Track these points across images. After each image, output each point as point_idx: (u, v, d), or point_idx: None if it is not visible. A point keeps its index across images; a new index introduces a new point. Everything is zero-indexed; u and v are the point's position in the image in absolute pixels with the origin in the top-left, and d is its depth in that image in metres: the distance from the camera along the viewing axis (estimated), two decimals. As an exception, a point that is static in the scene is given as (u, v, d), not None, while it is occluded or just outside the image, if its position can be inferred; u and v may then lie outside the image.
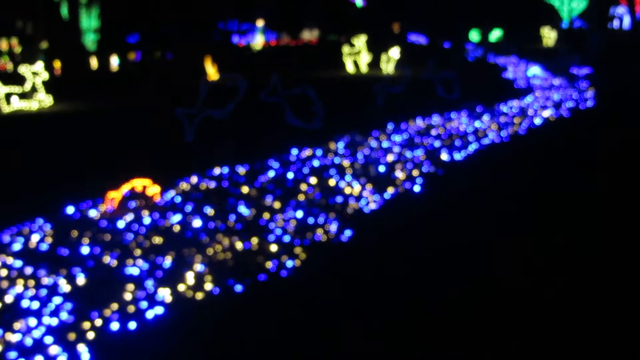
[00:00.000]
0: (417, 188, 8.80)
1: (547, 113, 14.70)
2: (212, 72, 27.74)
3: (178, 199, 7.83)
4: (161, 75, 31.57)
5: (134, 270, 5.84)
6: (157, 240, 6.57)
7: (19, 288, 5.50)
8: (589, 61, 22.59)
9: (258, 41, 60.35)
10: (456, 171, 9.91)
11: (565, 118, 14.59)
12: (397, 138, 11.35)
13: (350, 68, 30.92)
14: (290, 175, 8.90)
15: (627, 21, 47.71)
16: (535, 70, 23.30)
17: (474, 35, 54.37)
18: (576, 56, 21.91)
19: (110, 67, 40.85)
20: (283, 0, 59.15)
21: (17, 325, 4.91)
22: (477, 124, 13.03)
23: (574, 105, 15.99)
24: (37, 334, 4.82)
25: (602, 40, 28.52)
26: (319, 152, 10.17)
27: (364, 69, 30.78)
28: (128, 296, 5.40)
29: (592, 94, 17.72)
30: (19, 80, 20.57)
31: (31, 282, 5.61)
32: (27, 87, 20.34)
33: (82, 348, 4.66)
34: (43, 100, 20.63)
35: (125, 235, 6.66)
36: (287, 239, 6.68)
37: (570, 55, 22.76)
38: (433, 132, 12.15)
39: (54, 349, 4.62)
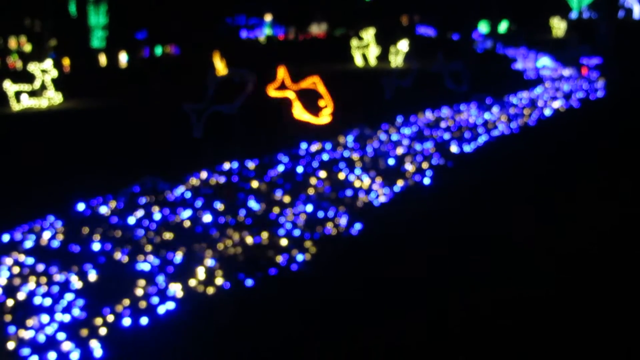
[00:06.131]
0: (426, 180, 8.79)
1: (557, 104, 14.63)
2: (220, 67, 27.72)
3: (188, 195, 7.84)
4: (169, 71, 31.59)
5: (145, 266, 5.86)
6: (168, 235, 6.58)
7: (31, 285, 5.54)
8: (598, 51, 22.42)
9: (263, 34, 60.38)
10: (466, 163, 9.89)
11: (575, 109, 14.52)
12: (407, 131, 11.33)
13: (358, 61, 30.86)
14: (299, 169, 8.90)
15: (637, 11, 47.38)
16: (544, 61, 23.16)
17: (483, 27, 54.11)
18: (586, 46, 21.77)
19: (119, 64, 40.90)
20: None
21: (30, 322, 4.94)
22: (486, 115, 12.99)
23: (584, 96, 15.91)
24: (49, 330, 4.85)
25: (612, 30, 28.33)
26: (328, 146, 10.17)
27: (372, 62, 30.71)
28: (139, 292, 5.42)
29: (602, 84, 17.62)
30: (29, 78, 20.63)
31: (43, 279, 5.64)
32: (37, 85, 20.40)
33: (94, 344, 4.68)
34: (52, 97, 20.70)
35: (136, 231, 6.68)
36: (297, 233, 6.69)
37: (580, 46, 22.62)
38: (442, 124, 12.12)
39: (67, 345, 4.65)
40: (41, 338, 4.75)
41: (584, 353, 4.39)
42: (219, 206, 7.35)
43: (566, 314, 4.90)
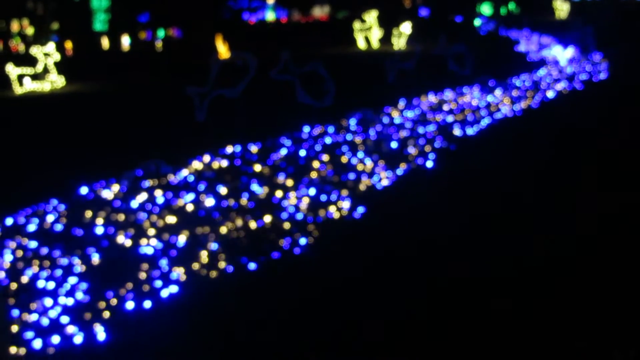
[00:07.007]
0: (429, 164, 8.77)
1: (560, 86, 14.57)
2: (223, 50, 27.64)
3: (191, 178, 7.84)
4: (172, 54, 31.52)
5: (148, 250, 5.87)
6: (171, 219, 6.59)
7: (34, 269, 5.55)
8: (601, 35, 22.23)
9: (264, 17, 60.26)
10: (469, 146, 9.86)
11: (578, 91, 14.47)
12: (409, 114, 11.30)
13: (361, 44, 30.74)
14: (302, 152, 8.88)
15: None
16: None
17: (486, 9, 53.84)
18: (589, 28, 21.57)
19: (121, 47, 40.80)
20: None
21: (34, 305, 4.96)
22: (489, 98, 12.94)
23: (587, 78, 15.84)
24: (53, 314, 4.87)
25: (615, 11, 28.16)
26: (330, 130, 10.14)
27: (375, 44, 30.58)
28: (143, 275, 5.44)
29: (606, 66, 17.53)
30: (31, 61, 20.59)
31: (47, 263, 5.66)
32: (39, 68, 20.36)
33: (98, 327, 4.70)
34: (55, 81, 20.67)
35: (139, 214, 6.69)
36: (300, 216, 6.69)
37: (585, 27, 22.43)
38: (445, 107, 12.08)
39: (71, 329, 4.67)
40: (45, 321, 4.77)
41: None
42: (222, 190, 7.35)
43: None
